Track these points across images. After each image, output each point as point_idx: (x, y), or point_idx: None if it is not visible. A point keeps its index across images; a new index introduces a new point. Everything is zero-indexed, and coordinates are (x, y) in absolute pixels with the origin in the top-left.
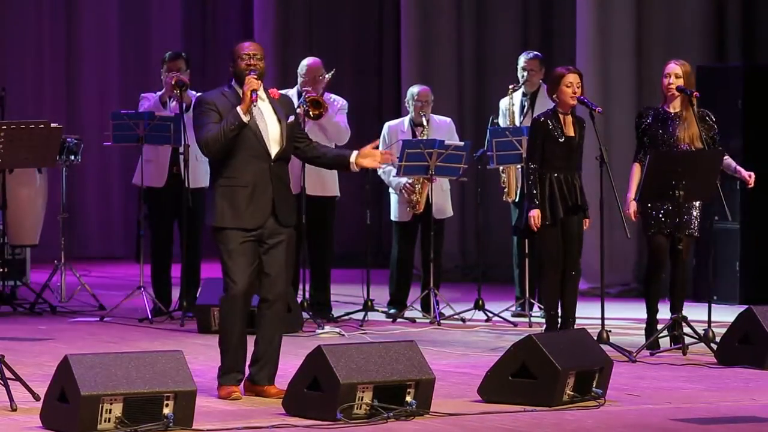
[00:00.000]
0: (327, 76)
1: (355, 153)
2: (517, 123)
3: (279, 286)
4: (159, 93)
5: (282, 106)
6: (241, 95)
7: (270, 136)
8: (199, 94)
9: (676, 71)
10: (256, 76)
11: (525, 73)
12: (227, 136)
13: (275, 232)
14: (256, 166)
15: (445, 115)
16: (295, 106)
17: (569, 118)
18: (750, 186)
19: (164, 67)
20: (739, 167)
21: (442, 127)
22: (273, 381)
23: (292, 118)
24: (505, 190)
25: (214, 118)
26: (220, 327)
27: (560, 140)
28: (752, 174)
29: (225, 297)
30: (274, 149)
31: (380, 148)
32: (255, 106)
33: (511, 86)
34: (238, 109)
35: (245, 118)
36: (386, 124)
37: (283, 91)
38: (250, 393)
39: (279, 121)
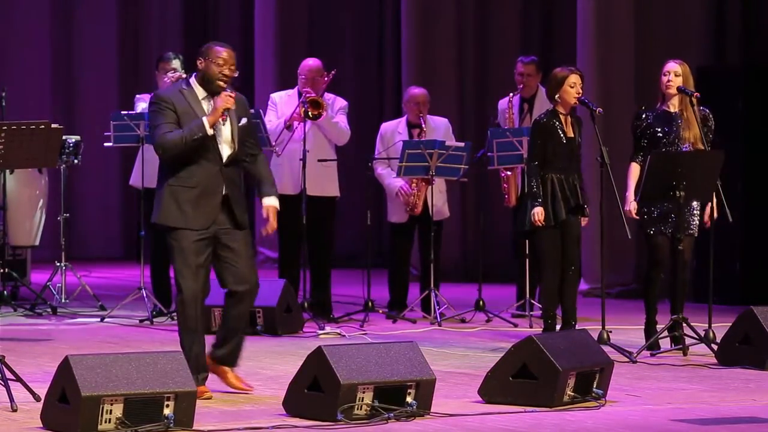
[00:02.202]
0: (327, 76)
1: (269, 201)
2: (516, 126)
3: (251, 278)
4: None
5: (236, 108)
6: (199, 95)
7: (223, 138)
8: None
9: (675, 70)
10: (231, 93)
11: (523, 78)
12: (188, 145)
13: (230, 232)
14: (207, 169)
15: (445, 116)
16: (294, 106)
17: (569, 119)
18: (707, 226)
19: (159, 67)
20: (715, 205)
21: (439, 128)
22: (235, 363)
23: (244, 121)
24: (506, 196)
25: (170, 118)
26: (181, 328)
27: (563, 141)
28: (712, 218)
29: (180, 298)
30: (225, 152)
31: (376, 148)
32: (222, 125)
33: (511, 93)
34: (205, 120)
35: (210, 131)
36: (382, 125)
37: (283, 92)
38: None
39: (231, 123)
